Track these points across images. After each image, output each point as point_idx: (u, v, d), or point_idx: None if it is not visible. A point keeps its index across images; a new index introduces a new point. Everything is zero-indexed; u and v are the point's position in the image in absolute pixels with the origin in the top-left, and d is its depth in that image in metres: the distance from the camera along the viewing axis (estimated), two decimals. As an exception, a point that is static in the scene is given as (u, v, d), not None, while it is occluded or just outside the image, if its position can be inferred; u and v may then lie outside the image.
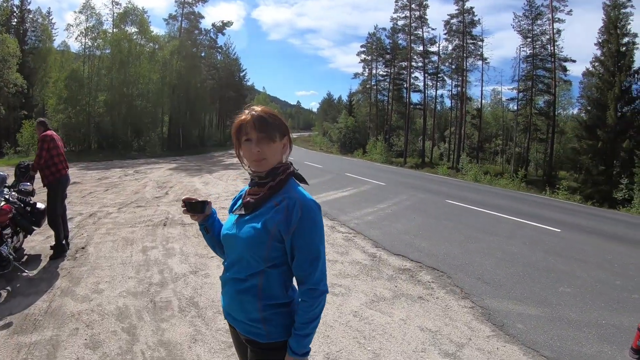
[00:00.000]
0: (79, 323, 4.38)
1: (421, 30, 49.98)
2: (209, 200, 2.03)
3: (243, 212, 1.84)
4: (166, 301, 4.96)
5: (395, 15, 51.18)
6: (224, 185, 14.54)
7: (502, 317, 4.98)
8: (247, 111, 1.78)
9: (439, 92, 53.49)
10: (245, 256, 1.76)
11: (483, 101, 50.17)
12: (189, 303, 4.92)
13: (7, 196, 5.85)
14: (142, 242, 7.40)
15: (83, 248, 7.03)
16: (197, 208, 2.00)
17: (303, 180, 1.89)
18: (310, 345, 1.76)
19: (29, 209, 6.39)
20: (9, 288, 5.31)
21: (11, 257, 5.46)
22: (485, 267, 6.83)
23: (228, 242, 1.87)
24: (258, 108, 1.78)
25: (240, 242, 1.77)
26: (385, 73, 55.89)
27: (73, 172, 18.28)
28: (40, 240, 7.30)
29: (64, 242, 6.72)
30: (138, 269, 6.06)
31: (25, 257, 6.56)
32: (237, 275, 1.82)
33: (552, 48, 40.80)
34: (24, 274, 5.76)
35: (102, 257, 6.59)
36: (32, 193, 6.57)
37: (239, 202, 1.95)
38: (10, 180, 6.45)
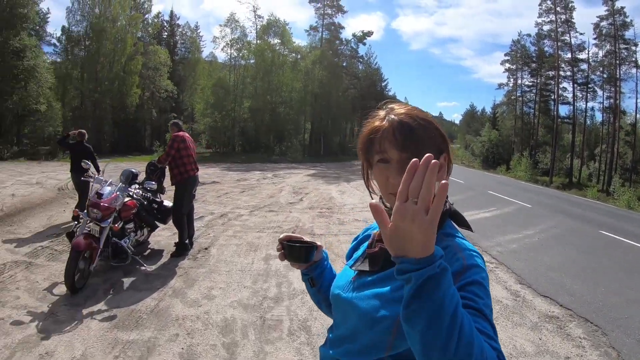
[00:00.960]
0: (181, 329, 4.36)
1: (568, 35, 45.34)
2: (318, 243, 1.47)
3: (367, 268, 1.24)
4: (277, 320, 4.73)
5: (539, 20, 47.31)
6: (361, 195, 14.34)
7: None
8: (382, 113, 1.21)
9: (589, 104, 47.63)
10: (360, 335, 1.18)
11: (638, 115, 43.65)
12: (301, 326, 4.62)
13: (132, 193, 6.32)
14: (267, 250, 7.38)
15: (206, 249, 7.25)
16: (299, 255, 1.43)
17: (464, 224, 1.26)
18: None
19: (155, 206, 6.95)
20: (123, 280, 5.66)
21: (130, 250, 5.82)
22: (650, 326, 5.48)
23: (339, 307, 1.30)
24: (400, 109, 1.20)
25: (356, 314, 1.20)
26: (531, 83, 51.73)
27: (215, 172, 19.83)
28: (166, 236, 7.75)
29: (187, 241, 7.04)
30: (256, 278, 5.98)
31: (149, 251, 7.04)
32: (345, 358, 1.24)
33: None
34: (142, 267, 6.11)
35: (223, 260, 6.70)
36: (161, 191, 7.13)
37: (362, 248, 1.37)
38: (142, 178, 7.02)
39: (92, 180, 6.17)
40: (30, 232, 8.06)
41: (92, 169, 7.40)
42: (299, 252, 1.40)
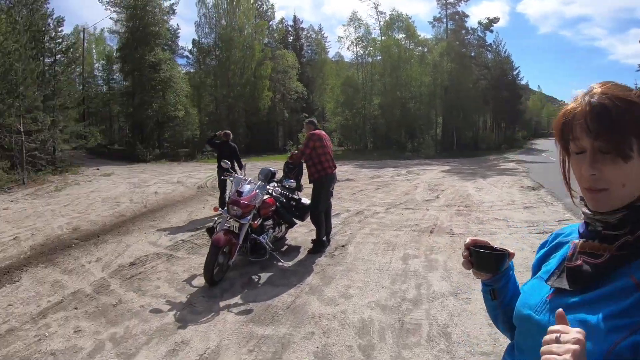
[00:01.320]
0: (317, 327, 4.34)
1: None
2: (510, 250, 1.27)
3: (566, 287, 1.02)
4: (416, 324, 4.50)
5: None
6: (498, 192, 13.44)
7: None
8: (580, 92, 1.04)
9: None
10: None
11: None
12: (441, 332, 4.32)
13: (271, 190, 6.71)
14: (404, 249, 7.16)
15: (343, 246, 7.24)
16: (489, 264, 1.25)
17: None
18: None
19: (293, 203, 7.23)
20: (260, 275, 5.88)
21: (268, 246, 6.07)
22: None
23: (528, 331, 1.08)
24: (598, 88, 1.01)
25: None
26: (676, 61, 44.85)
27: (348, 169, 20.00)
28: (303, 233, 7.92)
29: (324, 238, 7.12)
30: (394, 278, 5.80)
31: (286, 247, 7.26)
32: None
33: None
34: (280, 263, 6.25)
35: (360, 259, 6.63)
36: (299, 188, 7.43)
37: (553, 259, 1.15)
38: (280, 176, 7.38)
39: (231, 178, 6.61)
40: (172, 226, 8.72)
41: (236, 167, 8.25)
42: (488, 259, 1.22)
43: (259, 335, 4.13)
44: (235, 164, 9.11)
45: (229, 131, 9.95)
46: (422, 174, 18.84)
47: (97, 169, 21.38)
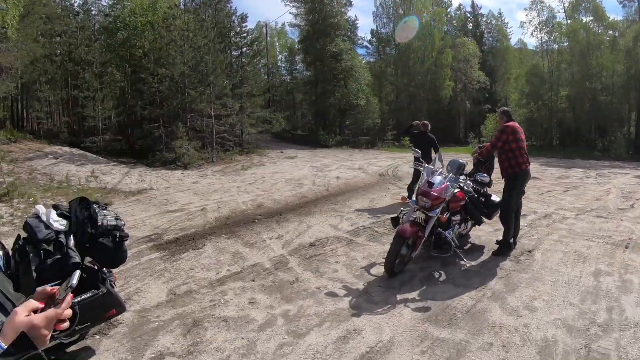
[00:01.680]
0: (496, 339, 4.07)
1: None
2: None
3: None
4: (603, 353, 3.93)
5: None
6: None
7: None
8: None
9: None
10: None
11: None
12: (628, 370, 3.74)
13: (462, 184, 6.40)
14: (596, 263, 6.38)
15: (530, 252, 6.72)
16: None
17: None
18: None
19: (482, 199, 6.87)
20: (441, 272, 5.73)
21: (453, 243, 5.89)
22: None
23: None
24: None
25: None
26: None
27: (533, 167, 18.35)
28: (487, 232, 7.52)
29: (511, 240, 6.67)
30: (584, 296, 5.20)
31: (469, 245, 6.96)
32: None
33: None
34: (462, 262, 6.07)
35: (548, 268, 6.08)
36: (488, 184, 6.93)
37: None
38: (469, 169, 7.00)
39: (421, 168, 6.49)
40: (353, 211, 9.01)
41: (435, 155, 8.08)
42: None
43: (434, 336, 4.02)
44: (433, 152, 9.07)
45: (427, 122, 9.90)
46: (613, 178, 16.87)
47: (281, 152, 22.99)
